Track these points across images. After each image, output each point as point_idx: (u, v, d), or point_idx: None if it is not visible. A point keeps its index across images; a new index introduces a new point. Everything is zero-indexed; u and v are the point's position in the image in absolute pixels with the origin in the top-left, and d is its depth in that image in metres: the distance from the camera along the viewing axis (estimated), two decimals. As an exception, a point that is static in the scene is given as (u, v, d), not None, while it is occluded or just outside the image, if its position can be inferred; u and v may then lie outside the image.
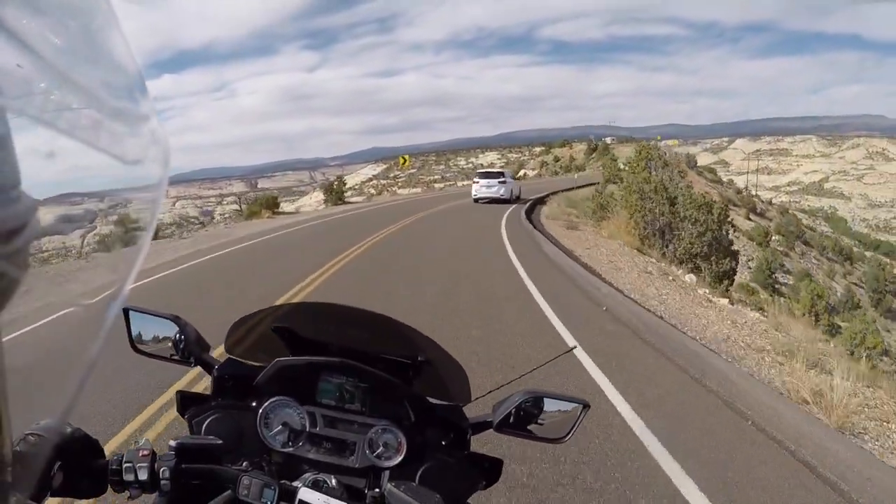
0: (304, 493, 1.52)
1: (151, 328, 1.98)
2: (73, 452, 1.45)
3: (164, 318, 1.96)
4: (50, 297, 0.45)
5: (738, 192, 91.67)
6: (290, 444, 1.81)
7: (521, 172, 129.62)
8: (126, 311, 1.94)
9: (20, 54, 0.38)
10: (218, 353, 2.05)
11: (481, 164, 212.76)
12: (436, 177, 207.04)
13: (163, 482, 1.47)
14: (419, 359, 1.94)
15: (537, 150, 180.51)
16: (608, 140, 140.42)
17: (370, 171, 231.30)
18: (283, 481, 1.56)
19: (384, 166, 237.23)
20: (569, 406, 1.86)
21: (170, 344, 1.96)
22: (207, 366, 1.95)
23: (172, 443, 1.51)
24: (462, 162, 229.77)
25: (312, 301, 2.38)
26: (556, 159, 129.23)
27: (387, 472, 1.78)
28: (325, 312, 2.10)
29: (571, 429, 1.85)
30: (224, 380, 1.91)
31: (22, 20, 0.38)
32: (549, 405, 1.86)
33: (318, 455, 1.82)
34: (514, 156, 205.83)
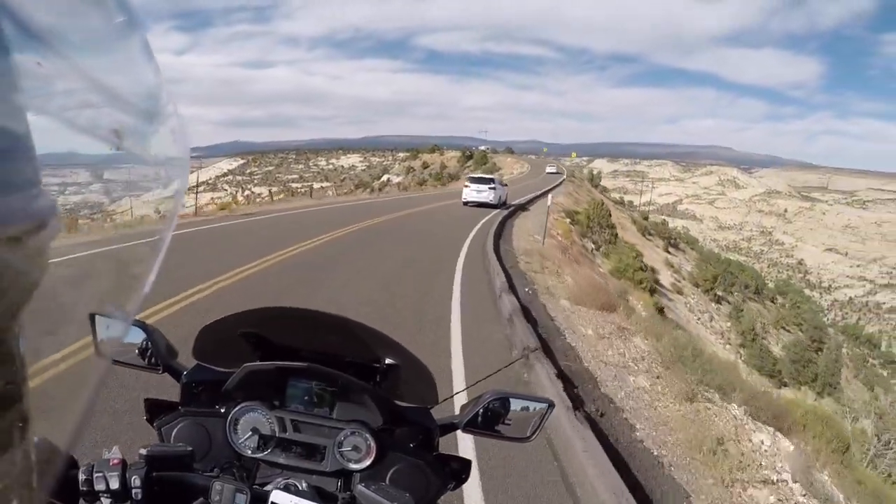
0: (276, 495, 1.53)
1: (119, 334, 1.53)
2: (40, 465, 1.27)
3: (132, 324, 1.80)
4: (70, 298, 0.46)
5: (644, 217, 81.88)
6: (261, 449, 1.78)
7: (385, 177, 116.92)
8: (92, 317, 1.51)
9: (40, 52, 0.38)
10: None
11: (342, 166, 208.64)
12: (293, 176, 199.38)
13: (134, 491, 1.43)
14: (387, 362, 1.95)
15: (402, 154, 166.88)
16: (483, 148, 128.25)
17: (226, 165, 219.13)
18: (255, 486, 1.59)
19: (241, 161, 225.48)
20: (534, 405, 1.89)
21: (136, 351, 1.89)
22: (175, 372, 1.91)
23: (143, 451, 1.48)
24: (322, 162, 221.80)
25: (281, 306, 2.06)
26: (425, 165, 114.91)
27: (357, 475, 1.77)
28: (293, 317, 2.05)
29: (537, 428, 1.88)
30: (192, 386, 1.88)
31: (41, 18, 0.38)
32: (515, 405, 1.88)
33: (289, 460, 1.79)
34: (378, 160, 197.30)
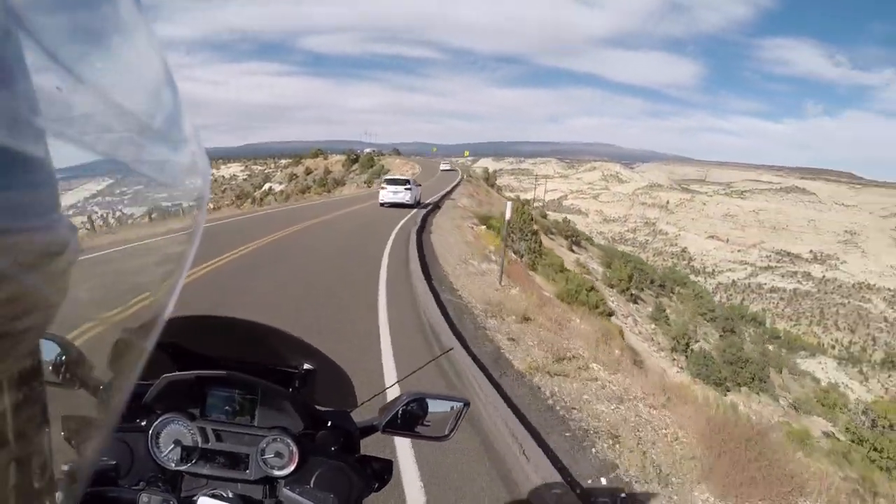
0: (203, 501, 1.55)
1: None
2: None
3: (45, 338, 1.47)
4: (89, 321, 0.46)
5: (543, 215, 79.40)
6: (184, 461, 1.73)
7: (266, 186, 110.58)
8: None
9: (60, 77, 0.38)
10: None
11: (223, 176, 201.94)
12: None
13: None
14: (305, 367, 1.94)
15: (283, 161, 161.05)
16: (369, 151, 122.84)
17: (94, 185, 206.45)
18: (183, 496, 1.64)
19: (110, 181, 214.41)
20: (450, 405, 1.93)
21: (50, 367, 1.58)
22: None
23: (64, 467, 1.29)
24: (111, 197, 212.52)
25: (198, 314, 1.98)
26: (308, 171, 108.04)
27: (282, 481, 1.75)
28: (211, 325, 2.05)
29: (454, 426, 1.92)
30: None
31: (62, 43, 0.38)
32: (433, 405, 1.92)
33: (213, 470, 1.75)
34: (260, 167, 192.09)
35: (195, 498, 1.57)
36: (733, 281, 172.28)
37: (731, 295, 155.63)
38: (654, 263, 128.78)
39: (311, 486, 1.73)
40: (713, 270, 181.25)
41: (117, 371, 0.63)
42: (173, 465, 1.71)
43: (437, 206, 36.99)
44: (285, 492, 1.65)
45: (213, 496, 1.58)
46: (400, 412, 1.88)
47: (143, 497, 1.47)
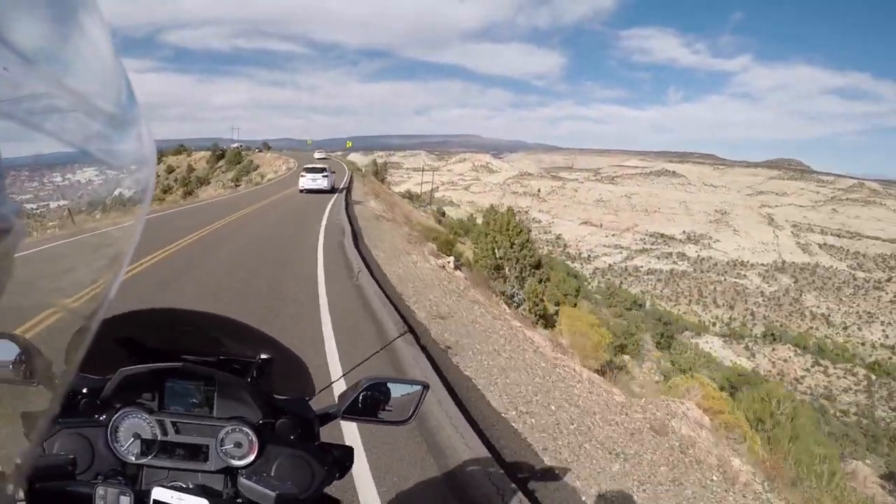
0: (157, 492, 1.52)
1: None
2: None
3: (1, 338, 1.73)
4: (36, 301, 0.43)
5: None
6: (144, 454, 1.74)
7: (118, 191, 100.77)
8: None
9: (7, 58, 0.36)
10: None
11: (78, 181, 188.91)
12: (27, 196, 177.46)
13: None
14: (261, 356, 1.90)
15: None
16: (236, 146, 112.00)
17: None
18: (143, 488, 1.59)
19: None
20: (410, 388, 1.94)
21: (10, 366, 1.67)
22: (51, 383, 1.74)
23: (18, 461, 1.25)
24: (58, 178, 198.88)
25: (150, 308, 1.95)
26: (171, 170, 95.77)
27: (242, 472, 1.73)
28: (164, 318, 2.01)
29: (414, 410, 1.93)
30: (70, 397, 1.79)
31: (8, 23, 0.37)
32: (391, 390, 1.92)
33: (173, 462, 1.76)
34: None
35: (148, 487, 1.54)
36: (610, 265, 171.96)
37: (608, 279, 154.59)
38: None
39: (272, 475, 1.72)
40: (589, 256, 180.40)
41: (66, 362, 0.61)
42: (133, 458, 1.72)
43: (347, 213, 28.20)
44: (242, 480, 1.62)
45: (172, 487, 1.54)
46: (360, 398, 1.87)
47: (100, 490, 1.46)
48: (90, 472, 1.66)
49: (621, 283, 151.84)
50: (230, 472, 1.75)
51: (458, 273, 15.93)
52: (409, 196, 71.73)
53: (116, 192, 0.57)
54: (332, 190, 40.21)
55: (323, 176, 40.18)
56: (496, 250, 26.93)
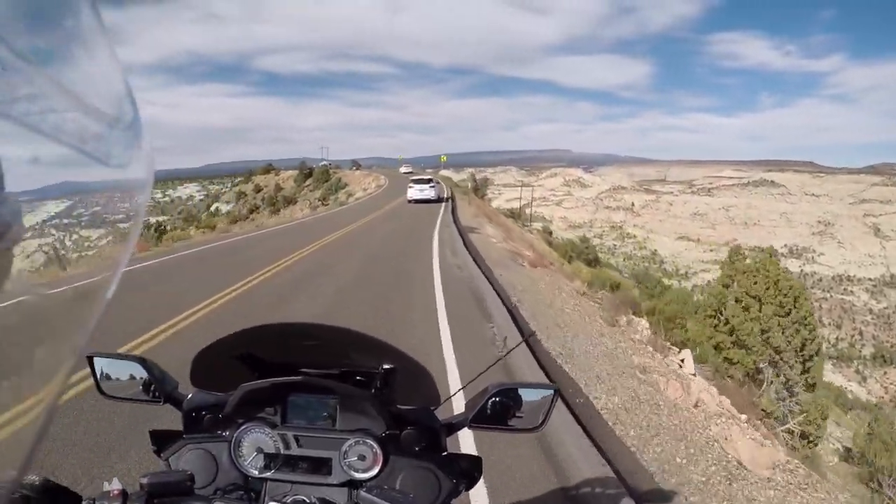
0: None
1: (117, 372, 1.90)
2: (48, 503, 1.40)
3: (130, 360, 1.90)
4: (35, 299, 0.45)
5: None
6: (267, 468, 1.74)
7: (213, 207, 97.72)
8: (90, 358, 1.88)
9: (4, 59, 0.36)
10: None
11: (179, 197, 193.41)
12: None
13: None
14: (384, 367, 1.85)
15: (237, 179, 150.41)
16: (324, 164, 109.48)
17: (53, 207, 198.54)
18: (268, 502, 1.62)
19: (68, 202, 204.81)
20: (539, 393, 1.83)
21: (139, 386, 1.87)
22: (176, 402, 1.87)
23: (143, 480, 1.45)
24: (158, 194, 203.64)
25: (272, 322, 1.98)
26: (258, 189, 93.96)
27: (366, 485, 1.70)
28: (285, 332, 2.00)
29: (545, 415, 1.81)
30: (193, 413, 1.85)
31: (4, 23, 0.37)
32: (521, 395, 1.81)
33: (296, 476, 1.74)
34: (216, 187, 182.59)
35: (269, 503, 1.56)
36: (708, 282, 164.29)
37: (707, 297, 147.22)
38: (624, 268, 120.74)
39: (396, 487, 1.67)
40: (686, 272, 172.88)
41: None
42: (256, 472, 1.72)
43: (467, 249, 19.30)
44: (366, 495, 1.53)
45: (294, 502, 1.57)
46: (488, 405, 1.77)
47: None
48: (212, 487, 1.68)
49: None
50: (354, 486, 1.71)
51: (703, 392, 8.24)
52: (512, 214, 66.47)
53: (115, 191, 0.57)
54: (438, 200, 41.62)
55: (430, 187, 42.08)
56: (757, 335, 16.39)
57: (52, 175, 0.48)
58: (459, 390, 2.03)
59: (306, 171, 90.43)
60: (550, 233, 63.73)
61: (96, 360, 1.89)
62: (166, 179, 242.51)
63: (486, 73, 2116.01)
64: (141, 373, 1.86)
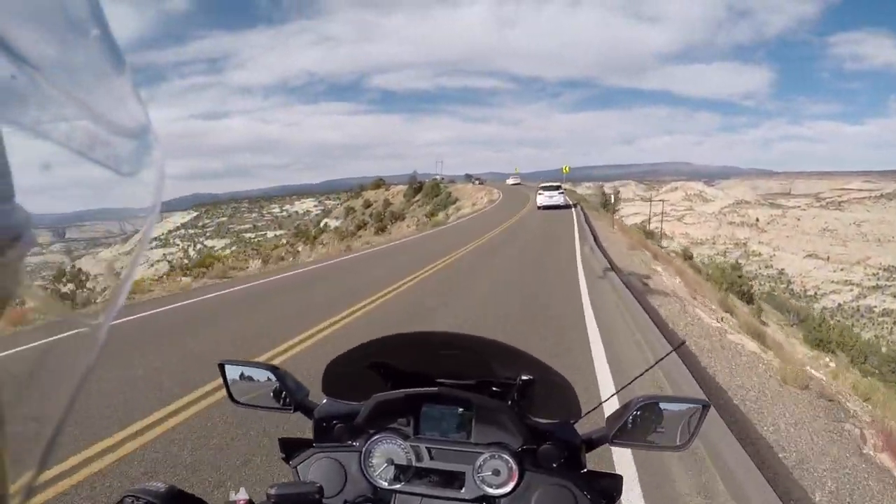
0: None
1: (248, 379, 1.92)
2: None
3: (261, 367, 1.91)
4: (45, 312, 0.45)
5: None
6: (397, 480, 1.71)
7: (323, 223, 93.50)
8: (221, 365, 1.92)
9: (14, 66, 0.36)
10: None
11: (296, 212, 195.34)
12: (246, 226, 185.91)
13: None
14: (522, 378, 1.78)
15: (345, 195, 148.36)
16: (437, 177, 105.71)
17: (180, 218, 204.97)
18: None
19: (194, 214, 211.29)
20: (686, 408, 1.69)
21: (270, 393, 1.88)
22: (307, 410, 1.87)
23: (270, 490, 1.46)
24: (276, 209, 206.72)
25: (406, 332, 1.90)
26: (367, 204, 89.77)
27: (500, 501, 1.65)
28: (419, 342, 1.95)
29: (693, 433, 1.67)
30: (324, 422, 1.84)
31: (16, 32, 0.37)
32: (666, 410, 1.69)
33: (427, 489, 1.70)
34: (332, 202, 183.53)
35: None
36: (839, 304, 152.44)
37: (837, 321, 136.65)
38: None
39: None
40: (815, 293, 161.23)
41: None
42: (386, 484, 1.69)
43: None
44: None
45: None
46: (630, 419, 1.64)
47: None
48: (340, 498, 1.67)
49: (852, 325, 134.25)
50: (486, 501, 1.65)
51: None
52: (647, 233, 59.93)
53: (125, 200, 0.57)
54: (567, 206, 43.21)
55: (559, 193, 45.51)
56: None
57: (51, 230, 0.48)
58: (600, 405, 1.89)
59: (416, 186, 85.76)
60: (691, 256, 56.89)
61: (227, 367, 1.90)
62: (284, 195, 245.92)
63: (600, 86, 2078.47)
64: (272, 380, 1.86)
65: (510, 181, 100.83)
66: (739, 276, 36.28)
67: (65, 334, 0.47)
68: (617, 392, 2.01)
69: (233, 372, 1.92)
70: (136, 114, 0.53)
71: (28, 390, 0.44)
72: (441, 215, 53.29)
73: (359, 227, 68.44)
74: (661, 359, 2.12)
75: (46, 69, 0.39)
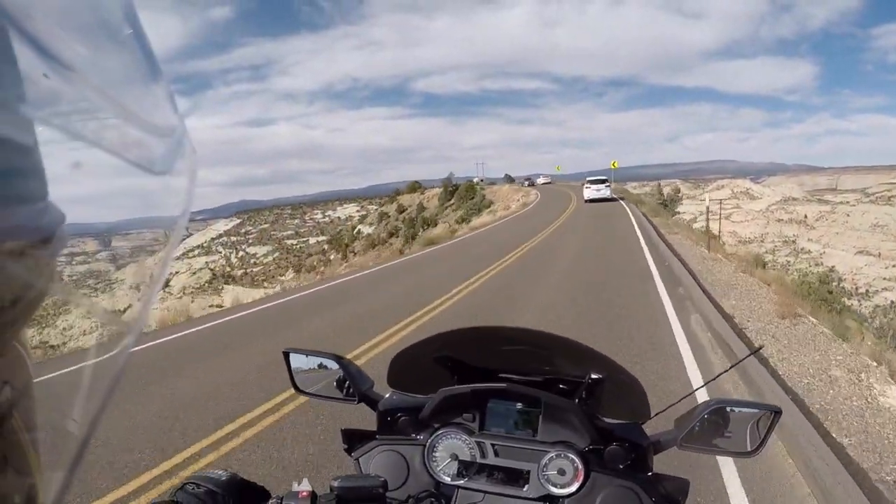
0: None
1: (312, 368, 1.92)
2: (235, 499, 1.42)
3: (325, 356, 1.89)
4: (78, 311, 0.42)
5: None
6: (460, 476, 1.69)
7: (356, 230, 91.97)
8: (286, 354, 1.91)
9: (47, 64, 0.37)
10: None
11: (338, 217, 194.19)
12: (289, 232, 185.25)
13: None
14: (591, 377, 1.75)
15: (380, 199, 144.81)
16: (477, 179, 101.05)
17: (223, 226, 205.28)
18: None
19: (237, 220, 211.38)
20: (757, 413, 1.61)
21: (333, 383, 1.88)
22: (371, 402, 1.86)
23: (334, 482, 1.43)
24: (319, 215, 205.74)
25: (474, 326, 1.88)
26: (401, 209, 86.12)
27: (564, 501, 1.63)
28: (488, 337, 1.93)
29: (763, 439, 1.59)
30: (388, 414, 1.82)
31: (48, 30, 0.37)
32: (736, 414, 1.63)
33: (490, 486, 1.67)
34: (374, 207, 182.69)
35: None
36: (892, 302, 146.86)
37: (891, 319, 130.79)
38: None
39: None
40: (867, 291, 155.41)
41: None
42: (449, 479, 1.67)
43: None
44: None
45: None
46: (698, 423, 1.59)
47: None
48: (402, 491, 1.65)
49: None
50: (550, 501, 1.63)
51: None
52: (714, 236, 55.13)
53: (157, 201, 0.56)
54: (612, 199, 44.09)
55: (606, 186, 47.08)
56: None
57: (97, 238, 0.48)
58: (670, 406, 1.79)
59: (451, 188, 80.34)
60: (765, 265, 52.83)
61: (292, 355, 1.89)
62: (327, 200, 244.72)
63: (644, 84, 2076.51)
64: (336, 370, 1.85)
65: (541, 180, 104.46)
66: (830, 293, 30.57)
67: (96, 335, 0.46)
68: (686, 396, 1.90)
69: (297, 360, 1.88)
70: (169, 114, 0.53)
71: (61, 395, 0.45)
72: (469, 221, 49.58)
73: (391, 235, 65.92)
74: (739, 362, 2.03)
75: (79, 69, 0.39)
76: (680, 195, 69.21)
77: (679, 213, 55.19)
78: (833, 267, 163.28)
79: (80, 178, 0.43)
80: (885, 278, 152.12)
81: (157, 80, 0.51)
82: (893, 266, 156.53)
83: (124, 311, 0.50)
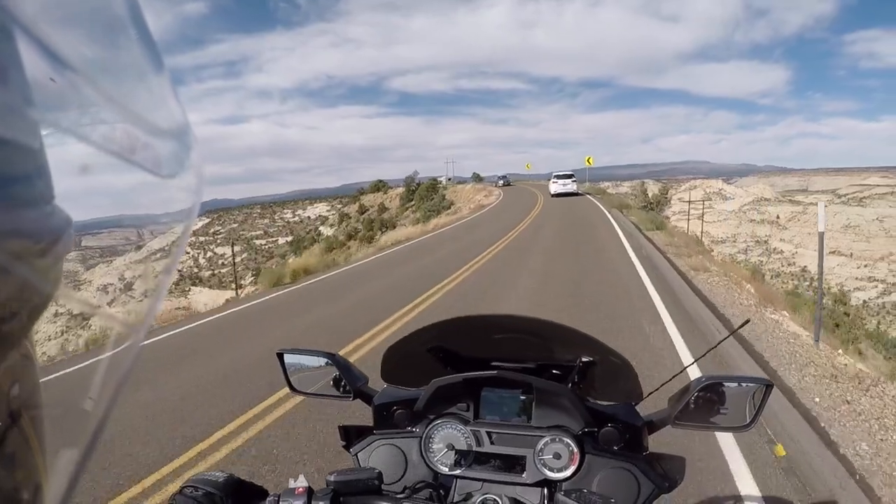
0: None
1: (306, 367, 1.92)
2: (233, 500, 1.42)
3: (319, 355, 1.89)
4: (83, 314, 0.52)
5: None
6: (457, 465, 1.69)
7: (316, 231, 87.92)
8: (280, 355, 1.90)
9: (53, 68, 0.36)
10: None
11: (308, 217, 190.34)
12: (258, 232, 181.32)
13: None
14: (583, 360, 1.77)
15: (345, 199, 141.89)
16: (442, 178, 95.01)
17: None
18: (456, 501, 1.60)
19: (206, 220, 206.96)
20: (749, 388, 1.63)
21: (329, 381, 1.89)
22: (366, 397, 1.87)
23: (330, 477, 1.44)
24: (288, 214, 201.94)
25: (463, 315, 1.88)
26: (363, 210, 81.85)
27: (561, 485, 1.63)
28: (477, 325, 1.93)
29: (756, 413, 1.62)
30: (384, 408, 1.83)
31: (55, 33, 0.37)
32: (728, 389, 1.64)
33: (487, 473, 1.68)
34: (344, 207, 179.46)
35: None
36: (864, 301, 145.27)
37: (863, 318, 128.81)
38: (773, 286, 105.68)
39: (593, 489, 1.58)
40: (841, 290, 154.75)
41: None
42: (446, 469, 1.67)
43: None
44: (559, 497, 1.48)
45: (483, 502, 1.50)
46: (692, 400, 1.60)
47: None
48: (400, 484, 1.67)
49: (878, 322, 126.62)
50: (547, 485, 1.63)
51: None
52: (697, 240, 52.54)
53: (163, 203, 0.55)
54: (578, 194, 45.50)
55: (572, 181, 47.69)
56: None
57: (102, 186, 0.48)
58: (662, 385, 1.82)
59: (412, 188, 75.94)
60: (762, 277, 49.87)
61: (286, 355, 1.89)
62: (298, 199, 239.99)
63: (619, 86, 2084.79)
64: (330, 368, 1.85)
65: (500, 183, 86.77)
66: (847, 315, 25.95)
67: (103, 338, 0.46)
68: (677, 374, 1.90)
69: (292, 360, 1.89)
70: (175, 114, 0.53)
71: (70, 391, 0.45)
72: (387, 236, 40.75)
73: (349, 237, 62.35)
74: (726, 337, 2.05)
75: (85, 71, 0.39)
76: (668, 196, 65.06)
77: (667, 217, 50.09)
78: (805, 267, 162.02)
79: (87, 182, 0.43)
80: (857, 278, 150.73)
81: (163, 82, 0.51)
82: (865, 266, 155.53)
83: (129, 311, 0.49)
